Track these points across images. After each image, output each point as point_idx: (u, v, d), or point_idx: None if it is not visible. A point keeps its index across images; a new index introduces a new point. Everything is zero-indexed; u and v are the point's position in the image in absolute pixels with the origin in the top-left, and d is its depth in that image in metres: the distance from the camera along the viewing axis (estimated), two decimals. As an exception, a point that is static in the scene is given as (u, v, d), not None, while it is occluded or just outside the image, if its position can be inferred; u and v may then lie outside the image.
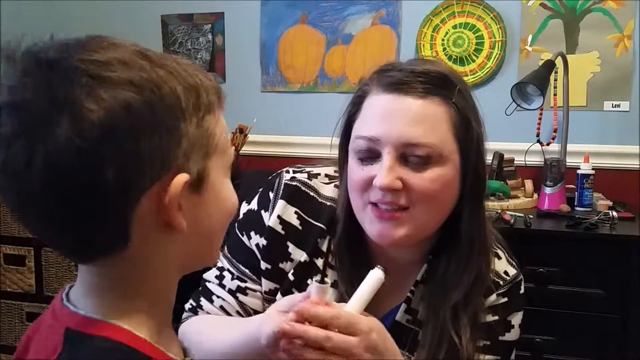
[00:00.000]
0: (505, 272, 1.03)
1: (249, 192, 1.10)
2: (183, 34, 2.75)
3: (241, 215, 1.06)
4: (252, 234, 1.03)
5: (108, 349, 0.56)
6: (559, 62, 2.15)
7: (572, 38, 2.29)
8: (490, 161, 2.22)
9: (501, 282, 1.01)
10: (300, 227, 1.01)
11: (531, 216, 1.93)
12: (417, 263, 1.00)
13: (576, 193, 2.10)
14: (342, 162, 0.98)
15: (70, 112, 0.52)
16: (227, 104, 2.40)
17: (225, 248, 1.07)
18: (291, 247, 1.01)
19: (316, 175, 1.04)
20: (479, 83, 2.38)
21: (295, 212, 1.01)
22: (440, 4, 2.41)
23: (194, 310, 1.06)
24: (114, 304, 0.59)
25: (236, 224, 1.06)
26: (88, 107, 0.52)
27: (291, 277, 1.00)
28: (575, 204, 2.09)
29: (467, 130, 0.91)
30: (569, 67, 2.18)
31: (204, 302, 1.05)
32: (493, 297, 1.00)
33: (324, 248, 1.00)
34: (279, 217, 1.00)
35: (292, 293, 0.99)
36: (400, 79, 0.89)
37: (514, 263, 1.06)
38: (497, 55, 2.36)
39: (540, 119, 2.20)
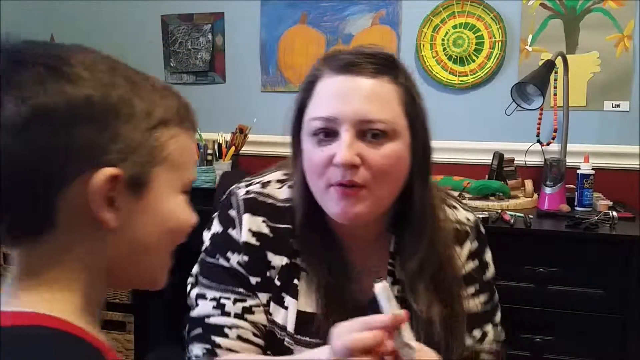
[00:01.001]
0: (467, 219, 1.10)
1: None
2: (183, 34, 2.75)
3: (207, 243, 1.06)
4: (229, 254, 1.03)
5: (44, 336, 0.57)
6: (559, 62, 2.15)
7: (572, 38, 2.29)
8: (491, 161, 2.22)
9: (468, 229, 1.08)
10: (271, 234, 1.03)
11: (531, 216, 1.93)
12: (383, 237, 1.04)
13: (576, 193, 2.10)
14: (295, 151, 1.00)
15: (15, 96, 0.57)
16: (227, 104, 2.42)
17: (203, 280, 1.04)
18: (270, 255, 1.02)
19: (268, 183, 1.07)
20: (479, 83, 2.39)
21: (263, 221, 1.03)
22: (440, 4, 2.41)
23: (212, 353, 1.00)
24: (36, 292, 0.60)
25: (204, 253, 1.06)
26: (31, 92, 0.57)
27: (277, 282, 1.02)
28: (575, 204, 2.09)
29: (414, 107, 0.97)
30: (569, 67, 2.18)
31: (218, 339, 1.00)
32: (468, 244, 1.08)
33: (298, 247, 1.03)
34: (249, 230, 1.02)
35: (282, 298, 1.01)
36: (351, 61, 0.94)
37: (468, 209, 1.13)
38: (497, 55, 2.36)
39: (540, 119, 2.20)
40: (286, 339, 1.01)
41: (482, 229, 1.12)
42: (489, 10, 2.36)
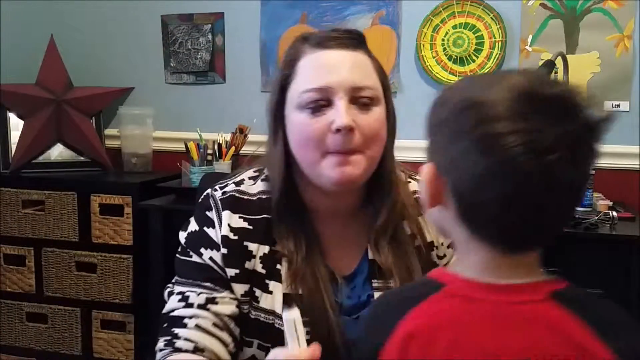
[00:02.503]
0: None
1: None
2: (183, 34, 2.75)
3: (183, 241, 1.11)
4: (203, 249, 1.07)
5: None
6: (559, 62, 2.15)
7: (572, 38, 2.29)
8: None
9: None
10: (250, 227, 1.07)
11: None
12: (357, 210, 1.10)
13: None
14: (275, 129, 1.05)
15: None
16: (227, 104, 2.41)
17: (175, 279, 1.10)
18: (251, 246, 1.06)
19: (242, 182, 1.12)
20: (479, 83, 2.38)
21: (240, 217, 1.07)
22: (440, 4, 2.41)
23: (171, 344, 1.02)
24: None
25: (178, 253, 1.11)
26: None
27: (262, 271, 1.06)
28: (575, 204, 2.09)
29: (385, 78, 1.06)
30: (569, 67, 2.17)
31: (177, 330, 1.03)
32: None
33: (276, 234, 1.07)
34: (229, 225, 1.06)
35: (267, 285, 1.05)
36: (331, 37, 1.02)
37: None
38: (497, 56, 2.36)
39: (540, 119, 2.19)
40: (277, 321, 1.04)
41: None
42: (489, 11, 2.36)
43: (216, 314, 1.04)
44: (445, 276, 0.73)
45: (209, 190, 1.12)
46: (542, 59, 2.24)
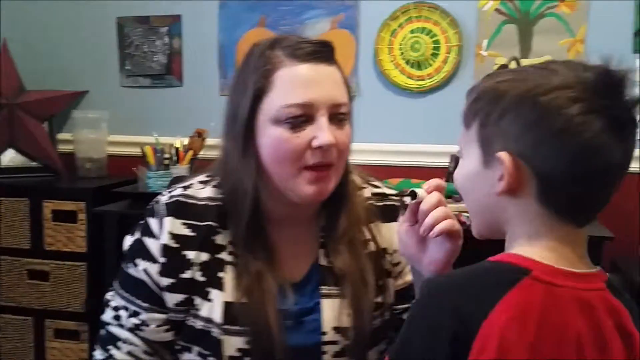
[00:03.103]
0: (393, 195, 1.18)
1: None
2: (139, 37, 2.71)
3: (125, 249, 1.12)
4: (139, 261, 1.08)
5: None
6: (513, 66, 2.18)
7: (526, 43, 2.34)
8: (448, 163, 2.25)
9: (397, 204, 1.15)
10: (193, 234, 1.06)
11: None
12: (310, 218, 1.11)
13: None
14: (246, 142, 1.02)
15: None
16: (185, 108, 2.38)
17: (114, 284, 1.12)
18: (190, 254, 1.05)
19: (190, 185, 1.11)
20: (437, 87, 2.41)
21: (183, 223, 1.06)
22: (397, 9, 2.42)
23: None
24: None
25: (122, 257, 1.12)
26: None
27: (201, 279, 1.05)
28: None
29: (349, 90, 1.06)
30: (523, 72, 2.21)
31: (112, 350, 1.09)
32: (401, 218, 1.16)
33: (222, 242, 1.07)
34: (170, 233, 1.06)
35: (207, 293, 1.05)
36: (312, 50, 1.00)
37: (390, 187, 1.22)
38: (454, 60, 2.39)
39: (496, 122, 2.23)
40: (214, 330, 1.03)
41: (405, 202, 1.21)
42: (445, 15, 2.39)
43: (146, 341, 1.08)
44: (526, 261, 0.74)
45: (159, 196, 1.11)
46: (496, 64, 2.27)
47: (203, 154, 2.43)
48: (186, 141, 2.44)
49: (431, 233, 0.91)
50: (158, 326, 1.08)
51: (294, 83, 0.99)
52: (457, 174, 0.82)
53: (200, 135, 2.44)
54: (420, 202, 0.92)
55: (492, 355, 0.68)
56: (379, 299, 1.11)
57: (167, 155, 2.39)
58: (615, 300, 0.75)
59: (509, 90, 0.74)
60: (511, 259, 0.75)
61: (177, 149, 2.40)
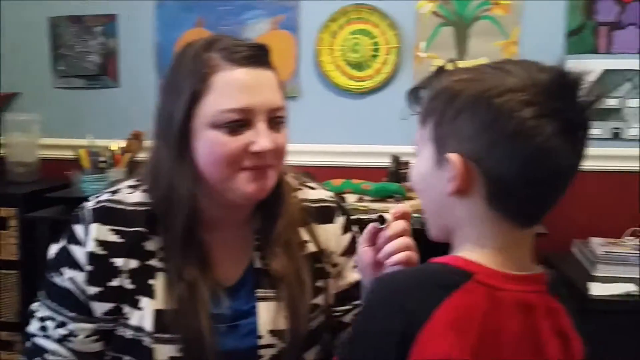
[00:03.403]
0: (329, 197, 1.19)
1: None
2: (72, 37, 2.64)
3: (52, 257, 1.08)
4: (63, 269, 1.04)
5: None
6: (450, 68, 2.22)
7: (463, 45, 2.39)
8: (389, 164, 2.27)
9: (333, 205, 1.17)
10: (121, 240, 1.03)
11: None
12: (244, 222, 1.10)
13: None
14: (181, 145, 1.00)
15: None
16: (121, 109, 2.32)
17: (39, 295, 1.09)
18: (118, 262, 1.02)
19: (118, 190, 1.08)
20: (377, 88, 2.43)
21: (110, 230, 1.03)
22: (338, 10, 2.43)
23: None
24: None
25: (46, 268, 1.08)
26: None
27: (130, 286, 1.02)
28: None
29: (285, 92, 1.05)
30: (460, 73, 2.26)
31: None
32: (339, 219, 1.16)
33: (152, 248, 1.04)
34: (96, 240, 1.02)
35: (137, 300, 1.02)
36: (249, 54, 0.99)
37: (323, 187, 1.22)
38: (393, 61, 2.42)
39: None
40: (145, 339, 1.01)
41: (344, 205, 1.23)
42: (384, 17, 2.41)
43: (75, 352, 1.05)
44: (470, 264, 0.74)
45: (85, 201, 1.08)
46: (434, 65, 2.30)
47: (141, 156, 2.38)
48: (123, 143, 2.38)
49: (388, 261, 0.90)
50: (87, 336, 1.05)
51: (232, 88, 0.98)
52: (413, 173, 0.82)
53: (137, 137, 2.38)
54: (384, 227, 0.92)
55: (432, 356, 0.68)
56: (316, 301, 1.10)
57: (102, 159, 2.33)
58: (554, 302, 0.76)
59: (464, 89, 0.74)
60: (456, 262, 0.75)
61: (113, 151, 2.34)
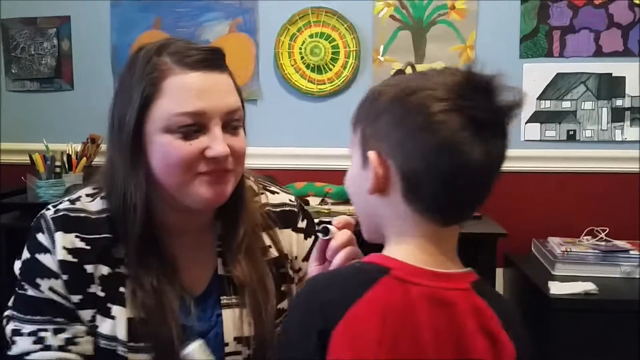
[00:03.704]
0: (290, 200, 1.18)
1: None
2: (26, 39, 2.58)
3: (17, 273, 1.02)
4: (39, 280, 0.99)
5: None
6: (408, 71, 2.24)
7: (420, 49, 2.41)
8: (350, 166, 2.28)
9: (295, 209, 1.17)
10: (88, 247, 1.00)
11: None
12: (206, 227, 1.09)
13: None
14: (134, 151, 0.97)
15: None
16: (76, 112, 2.27)
17: (17, 314, 1.00)
18: (89, 268, 0.99)
19: (78, 199, 1.05)
20: (337, 91, 2.44)
21: (77, 236, 1.00)
22: (296, 13, 2.43)
23: None
24: None
25: (16, 286, 1.01)
26: None
27: (101, 294, 0.99)
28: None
29: (241, 94, 1.04)
30: (418, 76, 2.28)
31: None
32: (300, 224, 1.17)
33: (120, 255, 1.01)
34: (64, 248, 0.99)
35: (108, 308, 0.99)
36: (202, 58, 0.97)
37: (286, 190, 1.22)
38: (352, 65, 2.43)
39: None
40: (119, 348, 0.98)
41: (305, 207, 1.22)
42: (343, 21, 2.42)
43: (82, 356, 0.99)
44: (388, 261, 0.75)
45: (43, 211, 1.03)
46: (393, 69, 2.32)
47: (98, 160, 2.33)
48: (79, 148, 2.33)
49: None
50: (86, 338, 0.99)
51: (184, 92, 0.95)
52: (346, 178, 0.84)
53: (94, 141, 2.34)
54: (329, 240, 0.91)
55: (347, 353, 0.69)
56: (282, 306, 1.10)
57: (58, 163, 2.27)
58: (480, 301, 0.76)
59: (385, 92, 0.77)
60: (375, 259, 0.77)
61: (69, 156, 2.29)
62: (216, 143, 0.95)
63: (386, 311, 0.71)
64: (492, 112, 0.72)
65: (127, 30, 2.52)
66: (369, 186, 0.77)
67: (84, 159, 2.29)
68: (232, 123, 0.99)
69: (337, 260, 0.89)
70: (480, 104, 0.71)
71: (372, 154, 0.76)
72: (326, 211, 2.07)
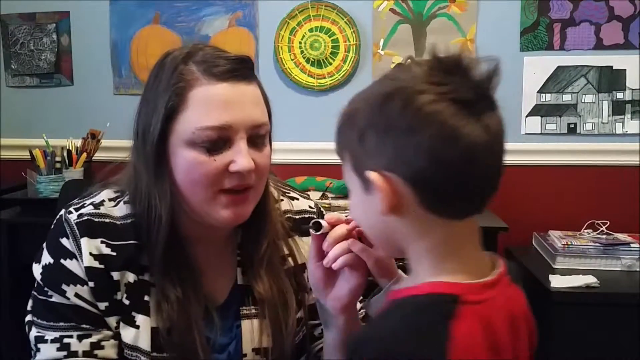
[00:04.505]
0: (310, 207, 1.17)
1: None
2: (25, 34, 2.57)
3: (38, 277, 0.98)
4: (65, 286, 0.96)
5: None
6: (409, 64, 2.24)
7: (420, 42, 2.41)
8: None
9: (315, 217, 1.13)
10: (114, 254, 0.97)
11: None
12: (227, 237, 1.07)
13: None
14: (159, 163, 0.95)
15: None
16: (77, 108, 2.26)
17: (39, 321, 0.97)
18: (116, 275, 0.97)
19: (102, 203, 1.01)
20: (337, 85, 2.44)
21: (102, 242, 0.97)
22: (296, 7, 2.43)
23: None
24: None
25: (36, 291, 0.98)
26: None
27: (126, 302, 0.97)
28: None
29: (269, 106, 1.01)
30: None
31: None
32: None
33: (145, 262, 0.99)
34: (90, 254, 0.96)
35: (133, 317, 0.97)
36: (230, 68, 0.94)
37: (305, 195, 1.20)
38: (352, 59, 2.42)
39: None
40: (142, 357, 0.96)
41: (324, 213, 1.19)
42: (343, 15, 2.42)
43: None
44: (450, 287, 0.70)
45: (62, 212, 1.00)
46: (393, 62, 2.33)
47: (98, 156, 2.33)
48: (79, 143, 2.33)
49: (334, 265, 0.88)
50: (112, 343, 0.97)
51: (210, 104, 0.92)
52: (350, 209, 0.80)
53: (94, 136, 2.33)
54: (324, 234, 0.89)
55: None
56: (300, 315, 1.08)
57: (58, 159, 2.27)
58: (517, 290, 0.78)
59: (359, 110, 0.73)
60: (434, 289, 0.71)
61: (69, 151, 2.29)
62: (240, 157, 0.92)
63: (478, 340, 0.68)
64: (473, 88, 0.68)
65: (127, 25, 2.51)
66: (380, 208, 0.71)
67: (84, 154, 2.29)
68: (257, 137, 0.96)
69: (332, 254, 0.87)
70: (459, 85, 0.68)
71: (372, 175, 0.71)
72: (327, 206, 2.07)
